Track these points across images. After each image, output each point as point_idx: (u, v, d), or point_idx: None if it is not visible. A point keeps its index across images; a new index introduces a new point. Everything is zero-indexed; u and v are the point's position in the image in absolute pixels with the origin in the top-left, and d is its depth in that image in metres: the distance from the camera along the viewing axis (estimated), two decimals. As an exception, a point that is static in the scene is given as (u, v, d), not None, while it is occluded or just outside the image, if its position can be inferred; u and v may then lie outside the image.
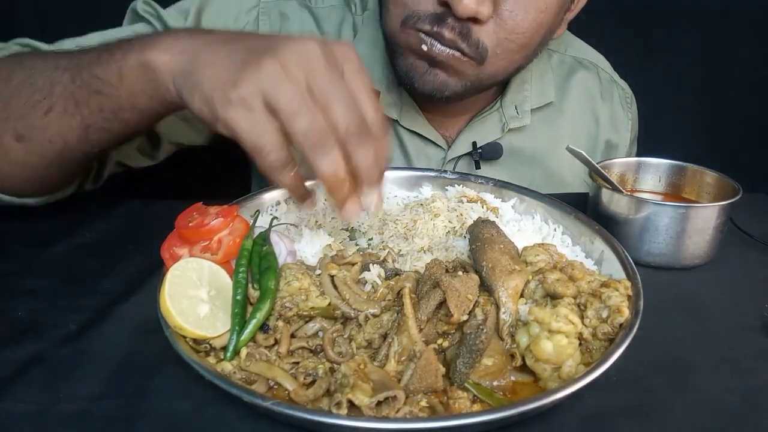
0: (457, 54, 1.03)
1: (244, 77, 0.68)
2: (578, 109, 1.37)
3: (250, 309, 0.74)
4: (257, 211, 0.94)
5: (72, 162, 0.96)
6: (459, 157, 1.29)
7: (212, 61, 0.72)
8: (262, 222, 0.95)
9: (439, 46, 1.02)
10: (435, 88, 1.09)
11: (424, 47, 1.03)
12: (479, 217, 0.94)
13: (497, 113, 1.28)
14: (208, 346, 0.72)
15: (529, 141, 1.32)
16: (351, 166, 0.71)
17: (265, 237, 0.84)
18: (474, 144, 1.26)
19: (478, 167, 1.27)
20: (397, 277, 0.81)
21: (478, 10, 0.96)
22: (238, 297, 0.74)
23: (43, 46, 1.09)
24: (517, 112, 1.28)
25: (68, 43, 1.11)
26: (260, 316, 0.72)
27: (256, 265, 0.79)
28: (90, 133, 0.88)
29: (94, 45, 0.89)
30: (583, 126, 1.38)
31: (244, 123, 0.68)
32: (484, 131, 1.28)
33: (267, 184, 1.04)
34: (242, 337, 0.71)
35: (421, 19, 1.01)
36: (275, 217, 0.92)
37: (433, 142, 1.28)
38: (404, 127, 1.26)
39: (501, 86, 1.28)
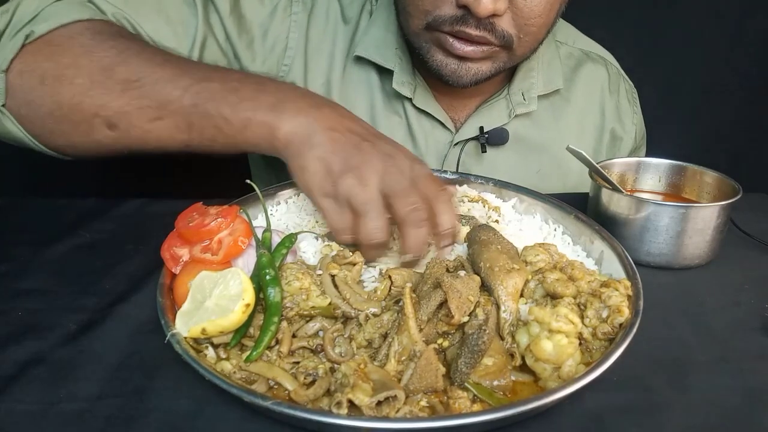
0: (486, 48, 1.08)
1: (340, 182, 0.81)
2: (585, 99, 1.39)
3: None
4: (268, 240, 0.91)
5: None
6: (466, 141, 1.30)
7: (320, 155, 0.83)
8: (262, 221, 0.95)
9: (465, 47, 1.08)
10: (470, 80, 1.14)
11: (455, 44, 1.08)
12: (475, 221, 0.94)
13: (504, 100, 1.30)
14: (208, 344, 0.72)
15: (536, 128, 1.34)
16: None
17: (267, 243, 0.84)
18: (481, 128, 1.29)
19: (484, 150, 1.29)
20: (398, 277, 0.81)
21: (496, 8, 1.00)
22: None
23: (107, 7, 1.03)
24: (524, 99, 1.30)
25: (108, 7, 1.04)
26: (275, 329, 0.73)
27: (255, 275, 0.79)
28: (188, 146, 0.92)
29: (209, 66, 0.98)
30: (589, 117, 1.40)
31: (333, 214, 0.84)
32: (492, 117, 1.30)
33: (267, 184, 1.04)
34: (258, 350, 0.70)
35: (445, 21, 1.06)
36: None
37: (442, 124, 1.30)
38: (415, 107, 1.28)
39: (509, 74, 1.31)
